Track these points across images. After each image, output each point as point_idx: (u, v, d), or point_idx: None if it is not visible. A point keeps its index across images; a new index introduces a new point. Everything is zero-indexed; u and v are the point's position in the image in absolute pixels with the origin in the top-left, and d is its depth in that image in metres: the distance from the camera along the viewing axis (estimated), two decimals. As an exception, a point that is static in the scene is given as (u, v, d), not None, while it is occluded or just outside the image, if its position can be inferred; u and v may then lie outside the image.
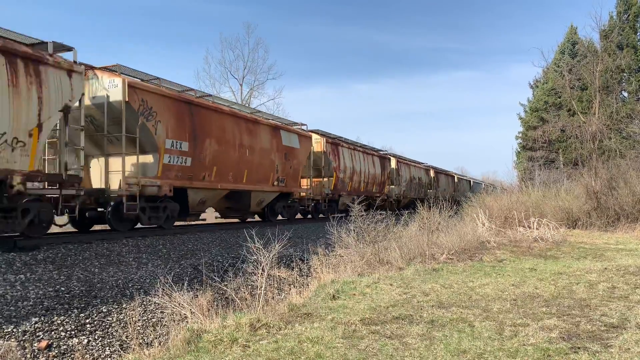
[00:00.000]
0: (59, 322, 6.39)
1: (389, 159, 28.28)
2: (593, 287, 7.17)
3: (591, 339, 4.71)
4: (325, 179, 20.47)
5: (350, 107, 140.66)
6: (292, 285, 8.98)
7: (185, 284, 7.34)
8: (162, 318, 7.18)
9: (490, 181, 63.37)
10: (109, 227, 11.41)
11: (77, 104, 9.47)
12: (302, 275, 10.11)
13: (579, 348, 4.40)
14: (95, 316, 6.83)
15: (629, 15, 32.17)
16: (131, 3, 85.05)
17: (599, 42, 30.70)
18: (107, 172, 11.35)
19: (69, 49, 9.31)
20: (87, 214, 10.99)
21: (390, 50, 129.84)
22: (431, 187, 35.59)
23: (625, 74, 31.69)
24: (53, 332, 6.19)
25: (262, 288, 6.88)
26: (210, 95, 15.15)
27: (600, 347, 4.45)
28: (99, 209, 11.06)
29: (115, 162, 11.25)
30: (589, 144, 27.50)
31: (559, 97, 35.35)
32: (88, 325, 6.59)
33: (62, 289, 7.16)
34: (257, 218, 17.56)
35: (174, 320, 6.54)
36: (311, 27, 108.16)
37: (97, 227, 12.43)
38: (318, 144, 20.22)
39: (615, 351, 4.29)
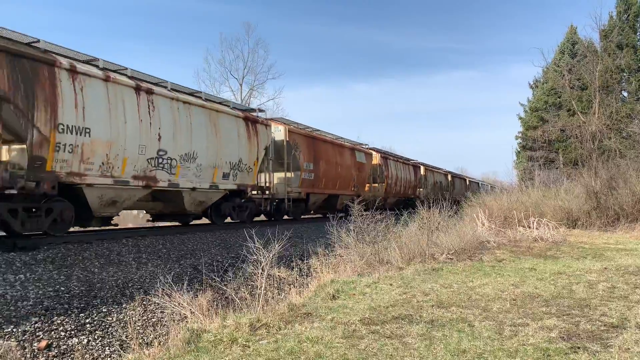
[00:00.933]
0: (59, 322, 6.39)
1: (419, 167, 34.77)
2: (593, 287, 7.17)
3: (591, 339, 4.71)
4: (379, 185, 26.55)
5: (350, 107, 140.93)
6: (292, 285, 8.98)
7: (185, 284, 7.33)
8: (162, 318, 7.18)
9: (490, 181, 64.80)
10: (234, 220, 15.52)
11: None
12: (302, 275, 10.12)
13: (578, 348, 4.40)
14: (95, 316, 6.83)
15: (629, 15, 32.17)
16: (131, 3, 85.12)
17: (599, 42, 30.74)
18: (272, 183, 17.13)
19: (262, 110, 17.58)
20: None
21: (390, 50, 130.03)
22: (448, 189, 41.29)
23: (625, 74, 31.69)
24: (53, 332, 6.19)
25: (262, 288, 6.88)
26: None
27: (600, 347, 4.45)
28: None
29: (277, 177, 17.59)
30: (588, 143, 27.49)
31: (559, 97, 35.35)
32: (88, 325, 6.59)
33: (62, 288, 7.16)
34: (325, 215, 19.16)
35: (173, 320, 6.54)
36: (311, 26, 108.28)
37: (94, 227, 12.40)
38: (375, 159, 26.27)
39: (615, 351, 4.29)
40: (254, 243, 7.46)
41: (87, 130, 9.69)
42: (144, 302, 7.54)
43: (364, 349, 4.50)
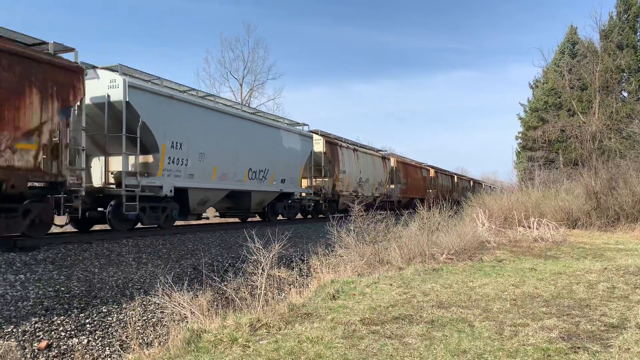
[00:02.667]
0: (59, 322, 6.39)
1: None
2: (593, 287, 7.17)
3: (591, 339, 4.71)
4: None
5: (349, 107, 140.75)
6: (292, 285, 8.98)
7: (185, 284, 7.34)
8: (162, 318, 7.18)
9: (491, 181, 65.29)
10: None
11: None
12: (302, 275, 10.12)
13: (578, 348, 4.40)
14: (95, 316, 6.83)
15: (629, 15, 32.14)
16: (131, 3, 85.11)
17: (599, 42, 30.74)
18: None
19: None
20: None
21: (389, 50, 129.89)
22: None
23: (625, 74, 31.67)
24: (53, 332, 6.19)
25: (262, 288, 6.88)
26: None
27: (600, 347, 4.45)
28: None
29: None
30: (589, 144, 27.49)
31: (559, 97, 35.35)
32: (88, 325, 6.59)
33: (62, 289, 7.16)
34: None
35: (173, 320, 6.55)
36: (310, 27, 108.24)
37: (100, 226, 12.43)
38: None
39: (615, 351, 4.29)
40: (254, 243, 7.46)
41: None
42: (144, 302, 7.54)
43: (364, 349, 4.50)
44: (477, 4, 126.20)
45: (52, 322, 6.34)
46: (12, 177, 8.04)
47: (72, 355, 5.98)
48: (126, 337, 6.39)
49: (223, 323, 5.41)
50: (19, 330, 5.96)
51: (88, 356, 6.08)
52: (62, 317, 6.50)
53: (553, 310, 5.84)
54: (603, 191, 17.76)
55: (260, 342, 4.78)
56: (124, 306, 7.27)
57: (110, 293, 7.56)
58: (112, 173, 11.19)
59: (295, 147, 17.77)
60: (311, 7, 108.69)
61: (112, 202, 10.79)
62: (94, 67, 10.87)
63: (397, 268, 9.20)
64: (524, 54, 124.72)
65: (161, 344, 5.94)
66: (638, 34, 32.29)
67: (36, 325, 6.15)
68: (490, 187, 57.88)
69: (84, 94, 9.54)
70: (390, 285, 7.44)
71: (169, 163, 11.69)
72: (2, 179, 7.92)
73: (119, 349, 6.26)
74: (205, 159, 12.92)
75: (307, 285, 8.58)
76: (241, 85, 41.61)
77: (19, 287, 6.84)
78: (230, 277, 9.09)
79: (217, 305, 7.26)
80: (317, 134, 20.61)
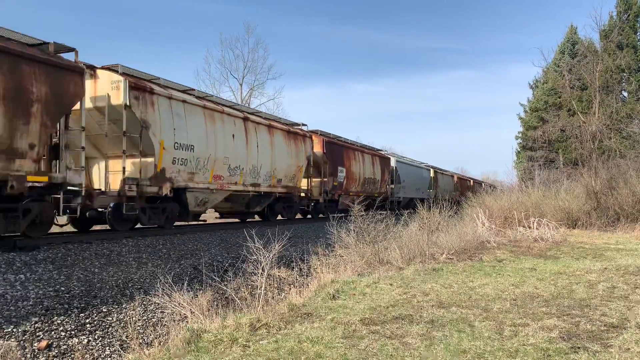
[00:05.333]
0: (59, 322, 6.39)
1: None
2: (593, 287, 7.17)
3: (591, 339, 4.71)
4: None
5: (349, 107, 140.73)
6: (292, 285, 8.98)
7: (185, 284, 7.34)
8: (162, 318, 7.18)
9: (490, 181, 65.77)
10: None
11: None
12: (302, 275, 10.12)
13: (579, 348, 4.40)
14: (95, 316, 6.83)
15: (629, 15, 32.14)
16: (131, 3, 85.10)
17: (599, 42, 30.75)
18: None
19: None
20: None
21: (388, 50, 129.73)
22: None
23: (625, 74, 31.67)
24: (53, 332, 6.19)
25: (262, 288, 6.88)
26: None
27: (600, 347, 4.45)
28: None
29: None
30: (589, 144, 27.50)
31: (559, 97, 35.31)
32: (88, 325, 6.59)
33: (62, 288, 7.16)
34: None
35: (174, 320, 6.55)
36: (309, 27, 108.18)
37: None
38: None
39: (615, 351, 4.29)
40: (254, 243, 7.46)
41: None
42: (144, 302, 7.53)
43: (364, 349, 4.50)
44: (476, 4, 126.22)
45: (52, 322, 6.33)
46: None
47: (72, 355, 5.98)
48: (126, 337, 6.39)
49: (223, 323, 5.41)
50: (19, 330, 5.96)
51: (88, 356, 6.08)
52: (62, 317, 6.50)
53: (553, 310, 5.84)
54: (603, 191, 17.76)
55: (260, 342, 4.78)
56: (124, 306, 7.27)
57: (110, 293, 7.56)
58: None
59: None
60: (310, 7, 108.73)
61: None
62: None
63: (397, 268, 9.20)
64: (524, 54, 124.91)
65: (161, 343, 5.93)
66: (638, 34, 32.30)
67: (36, 325, 6.15)
68: (491, 186, 58.93)
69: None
70: (390, 285, 7.44)
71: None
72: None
73: (119, 349, 6.26)
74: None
75: (307, 285, 8.58)
76: (241, 85, 41.69)
77: (19, 287, 6.84)
78: (230, 277, 9.09)
79: (217, 305, 7.26)
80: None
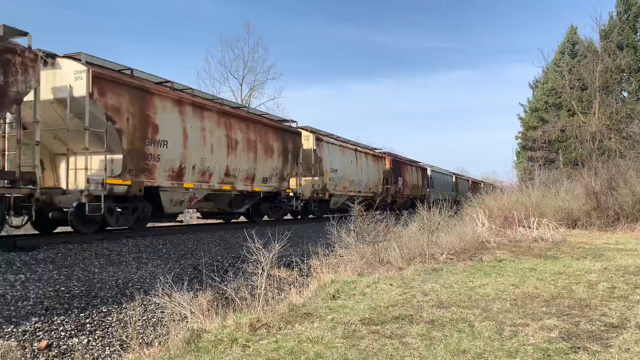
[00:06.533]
0: (59, 322, 6.39)
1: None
2: (593, 287, 7.17)
3: (591, 339, 4.71)
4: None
5: (348, 107, 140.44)
6: (292, 285, 8.98)
7: (185, 284, 7.33)
8: (162, 318, 7.18)
9: (490, 181, 66.02)
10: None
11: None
12: (302, 275, 10.12)
13: (579, 348, 4.40)
14: (95, 316, 6.83)
15: (629, 15, 32.13)
16: (131, 3, 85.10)
17: (599, 42, 30.72)
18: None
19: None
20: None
21: (388, 50, 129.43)
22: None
23: (625, 74, 31.64)
24: (53, 332, 6.19)
25: (262, 288, 6.88)
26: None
27: (600, 347, 4.45)
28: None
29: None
30: (588, 144, 27.50)
31: (559, 97, 35.32)
32: (88, 325, 6.59)
33: (62, 288, 7.16)
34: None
35: (174, 320, 6.55)
36: (308, 27, 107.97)
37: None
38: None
39: (615, 351, 4.30)
40: (254, 243, 7.46)
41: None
42: (144, 302, 7.54)
43: (364, 349, 4.50)
44: (476, 4, 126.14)
45: (52, 322, 6.34)
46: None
47: (72, 355, 5.98)
48: (126, 336, 6.40)
49: (223, 323, 5.41)
50: (19, 330, 5.96)
51: (88, 356, 6.08)
52: (62, 317, 6.50)
53: (553, 310, 5.84)
54: (603, 191, 17.76)
55: (260, 342, 4.78)
56: (124, 306, 7.27)
57: (110, 293, 7.56)
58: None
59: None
60: (310, 7, 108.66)
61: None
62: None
63: (397, 268, 9.20)
64: (524, 54, 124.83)
65: (161, 343, 5.93)
66: (638, 34, 32.28)
67: (36, 325, 6.15)
68: (496, 187, 59.55)
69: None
70: (390, 285, 7.44)
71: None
72: None
73: (119, 349, 6.26)
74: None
75: (307, 285, 8.58)
76: (241, 85, 41.70)
77: (19, 287, 6.84)
78: (230, 277, 9.09)
79: (217, 305, 7.26)
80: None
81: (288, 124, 18.32)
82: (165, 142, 11.46)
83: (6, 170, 8.60)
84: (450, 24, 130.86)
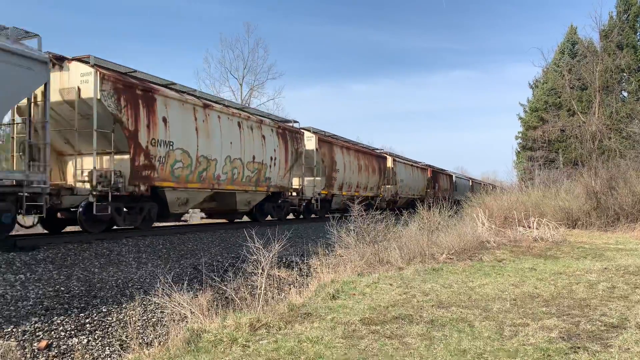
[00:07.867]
0: (59, 322, 6.39)
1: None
2: (593, 287, 7.17)
3: (591, 338, 4.71)
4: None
5: (348, 107, 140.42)
6: (292, 285, 8.98)
7: (185, 284, 7.34)
8: (162, 318, 7.18)
9: (490, 181, 66.19)
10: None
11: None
12: (302, 275, 10.12)
13: (578, 348, 4.40)
14: (95, 316, 6.83)
15: (629, 15, 32.12)
16: (131, 3, 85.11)
17: (598, 42, 30.71)
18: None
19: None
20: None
21: (387, 50, 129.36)
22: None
23: (625, 74, 31.63)
24: (53, 332, 6.19)
25: (262, 288, 6.88)
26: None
27: (600, 347, 4.45)
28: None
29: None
30: (588, 144, 27.49)
31: (559, 97, 35.31)
32: (88, 325, 6.59)
33: (62, 288, 7.16)
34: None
35: (173, 320, 6.54)
36: (307, 27, 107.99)
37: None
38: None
39: (615, 351, 4.30)
40: (254, 243, 7.46)
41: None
42: (144, 302, 7.54)
43: (364, 349, 4.50)
44: (476, 4, 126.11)
45: (52, 321, 6.34)
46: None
47: (72, 355, 5.98)
48: (126, 336, 6.39)
49: (223, 323, 5.41)
50: (19, 330, 5.96)
51: (88, 356, 6.08)
52: (62, 316, 6.50)
53: (553, 310, 5.84)
54: (603, 191, 17.74)
55: (260, 342, 4.78)
56: (124, 306, 7.27)
57: (110, 293, 7.56)
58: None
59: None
60: (311, 7, 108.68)
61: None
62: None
63: (397, 268, 9.20)
64: (524, 54, 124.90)
65: (161, 343, 5.93)
66: (638, 34, 32.28)
67: (36, 325, 6.15)
68: (496, 187, 60.14)
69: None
70: (390, 285, 7.44)
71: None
72: None
73: (119, 349, 6.26)
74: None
75: (307, 285, 8.58)
76: (241, 85, 41.70)
77: (19, 287, 6.84)
78: (230, 277, 9.09)
79: (217, 305, 7.26)
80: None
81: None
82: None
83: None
84: (449, 24, 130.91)
